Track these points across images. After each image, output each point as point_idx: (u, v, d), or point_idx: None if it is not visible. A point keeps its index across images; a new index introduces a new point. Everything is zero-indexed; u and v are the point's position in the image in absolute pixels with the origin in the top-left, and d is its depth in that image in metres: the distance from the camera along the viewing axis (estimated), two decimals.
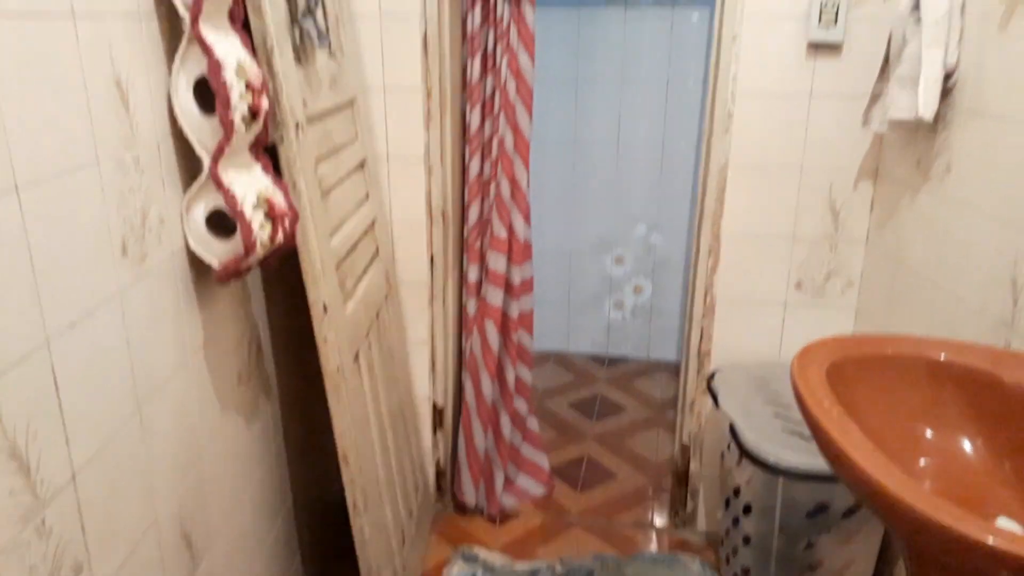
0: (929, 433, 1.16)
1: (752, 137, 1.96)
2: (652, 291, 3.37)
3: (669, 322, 3.40)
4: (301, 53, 1.57)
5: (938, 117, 1.61)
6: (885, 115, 1.72)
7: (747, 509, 1.82)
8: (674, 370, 3.28)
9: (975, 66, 1.50)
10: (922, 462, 1.14)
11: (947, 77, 1.57)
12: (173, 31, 1.23)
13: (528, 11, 2.10)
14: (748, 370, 2.05)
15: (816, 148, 1.95)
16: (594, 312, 3.44)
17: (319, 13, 1.59)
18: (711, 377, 2.04)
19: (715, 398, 1.95)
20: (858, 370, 1.19)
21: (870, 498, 0.90)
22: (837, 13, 1.82)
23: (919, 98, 1.57)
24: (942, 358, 1.20)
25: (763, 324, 2.11)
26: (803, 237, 2.03)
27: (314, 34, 1.53)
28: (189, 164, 1.27)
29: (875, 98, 1.77)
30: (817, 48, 1.87)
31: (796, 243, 2.04)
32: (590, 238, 3.34)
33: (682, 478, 2.30)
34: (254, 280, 1.61)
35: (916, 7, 1.57)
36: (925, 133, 1.69)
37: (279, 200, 1.36)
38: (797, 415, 1.80)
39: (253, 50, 1.36)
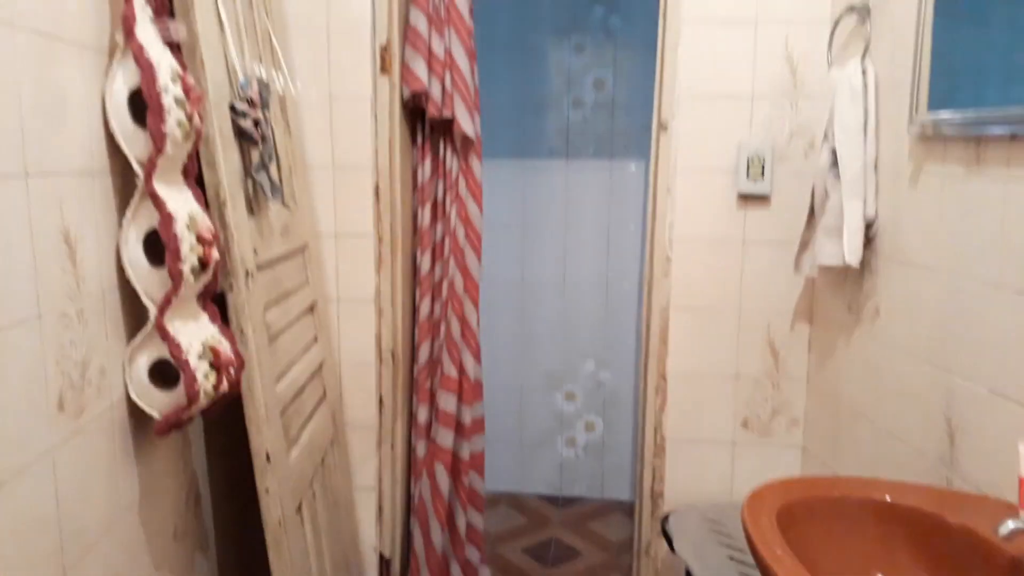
0: None
1: (691, 280, 2.05)
2: (604, 428, 3.36)
3: (622, 459, 3.37)
4: (254, 204, 1.61)
5: (864, 263, 1.71)
6: (815, 261, 1.82)
7: None
8: (628, 509, 3.22)
9: (892, 217, 1.62)
10: None
11: (868, 226, 1.69)
12: (126, 185, 1.25)
13: (475, 164, 2.20)
14: (702, 511, 2.02)
15: (752, 291, 2.04)
16: (546, 450, 3.40)
17: (272, 167, 1.64)
18: (665, 520, 2.01)
19: (670, 542, 1.91)
20: (808, 513, 1.20)
21: None
22: (763, 167, 1.95)
23: (844, 246, 1.68)
24: (888, 499, 1.22)
25: (713, 463, 2.12)
26: (746, 376, 2.08)
27: (267, 187, 1.58)
28: (135, 314, 1.27)
29: (804, 245, 1.88)
30: (747, 199, 1.99)
31: (740, 382, 2.09)
32: (540, 374, 3.36)
33: None
34: (195, 427, 1.57)
35: (835, 163, 1.71)
36: (853, 278, 1.78)
37: (225, 348, 1.35)
38: (751, 559, 1.77)
39: (206, 203, 1.39)
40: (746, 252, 2.03)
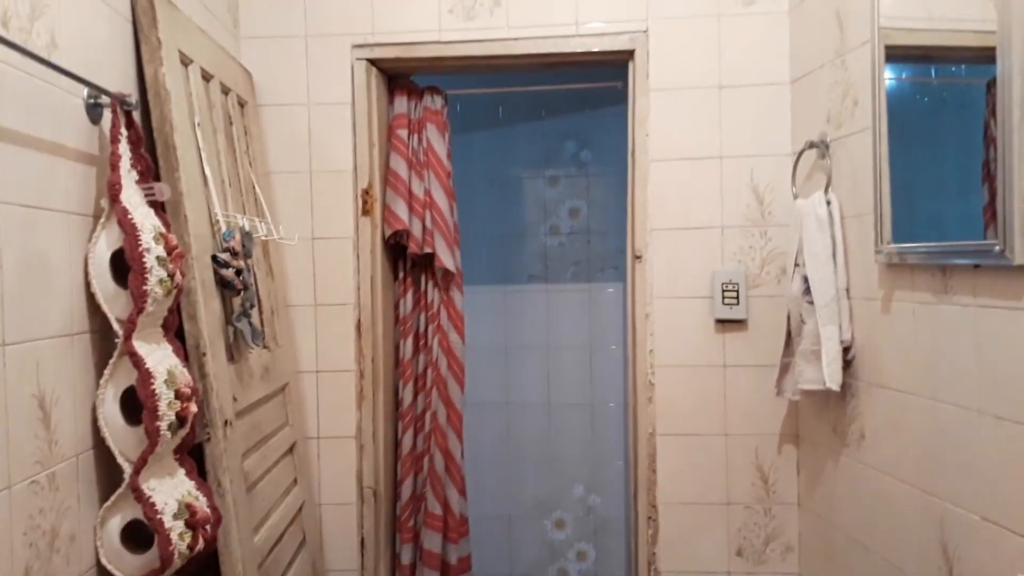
0: None
1: (675, 406, 2.04)
2: (596, 556, 3.24)
3: None
4: (234, 351, 1.60)
5: (845, 386, 1.71)
6: (796, 385, 1.83)
7: None
8: None
9: (868, 341, 1.64)
10: None
11: (846, 350, 1.71)
12: (104, 344, 1.25)
13: (457, 295, 2.23)
14: None
15: (737, 415, 2.03)
16: None
17: (254, 313, 1.65)
18: None
19: None
20: None
21: None
22: (738, 293, 1.99)
23: (824, 371, 1.69)
24: None
25: None
26: (737, 502, 2.04)
27: (248, 334, 1.58)
28: (109, 474, 1.24)
29: (784, 369, 1.89)
30: (724, 324, 2.02)
31: (731, 509, 2.04)
32: (528, 500, 3.27)
33: None
34: None
35: (807, 291, 1.74)
36: (836, 401, 1.79)
37: (201, 505, 1.31)
38: None
39: (185, 355, 1.39)
40: (727, 376, 2.03)
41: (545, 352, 3.24)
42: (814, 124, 1.84)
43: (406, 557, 2.19)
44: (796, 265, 1.79)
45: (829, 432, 1.83)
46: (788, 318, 1.86)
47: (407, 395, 2.25)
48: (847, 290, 1.71)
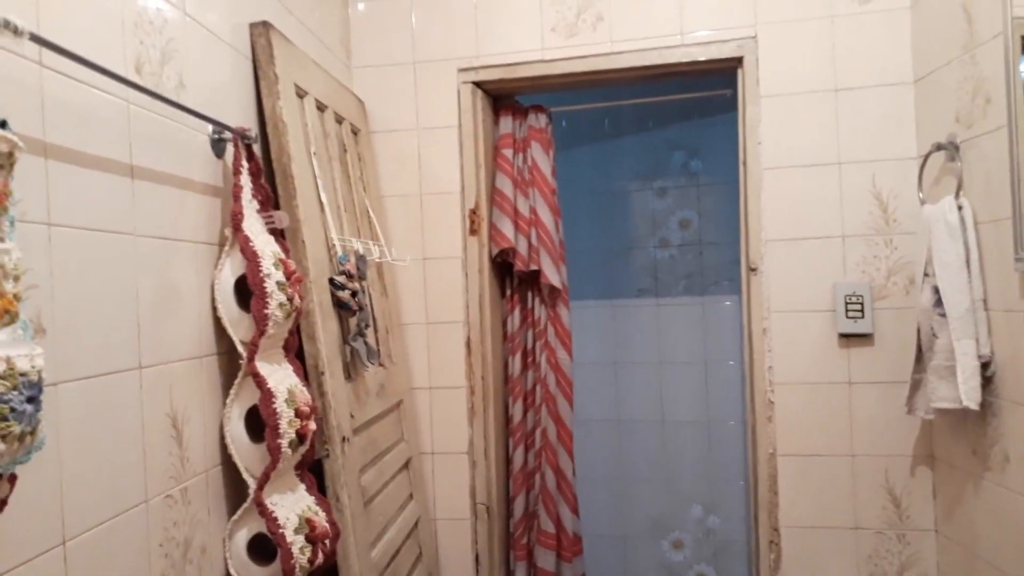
0: None
1: (796, 425, 1.95)
2: None
3: None
4: (351, 369, 1.66)
5: (985, 405, 1.59)
6: (929, 404, 1.71)
7: None
8: None
9: (1012, 356, 1.51)
10: None
11: (985, 366, 1.58)
12: (230, 365, 1.32)
13: (563, 311, 2.23)
14: None
15: (864, 434, 1.92)
16: None
17: (369, 332, 1.71)
18: None
19: None
20: None
21: None
22: (862, 306, 1.88)
23: (959, 388, 1.57)
24: None
25: None
26: (867, 527, 1.92)
27: (363, 353, 1.64)
28: (236, 489, 1.31)
29: (915, 386, 1.77)
30: (848, 339, 1.91)
31: (860, 534, 1.92)
32: (643, 521, 3.20)
33: None
34: None
35: (938, 303, 1.63)
36: (975, 420, 1.66)
37: (321, 520, 1.36)
38: None
39: (305, 375, 1.45)
40: (853, 394, 1.92)
41: (657, 368, 3.17)
42: (941, 125, 1.72)
43: (520, 575, 2.19)
44: (925, 275, 1.68)
45: (968, 454, 1.69)
46: (918, 332, 1.74)
47: (517, 412, 2.26)
48: (984, 301, 1.58)
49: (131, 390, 1.04)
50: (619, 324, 3.17)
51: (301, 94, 1.62)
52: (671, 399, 3.18)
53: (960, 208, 1.60)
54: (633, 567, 3.23)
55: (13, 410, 0.70)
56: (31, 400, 0.73)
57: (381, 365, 1.88)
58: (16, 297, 0.72)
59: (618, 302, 3.15)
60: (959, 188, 1.62)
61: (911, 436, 1.89)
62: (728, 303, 3.06)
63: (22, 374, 0.71)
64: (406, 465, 1.99)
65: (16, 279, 0.72)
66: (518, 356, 2.26)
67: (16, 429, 0.71)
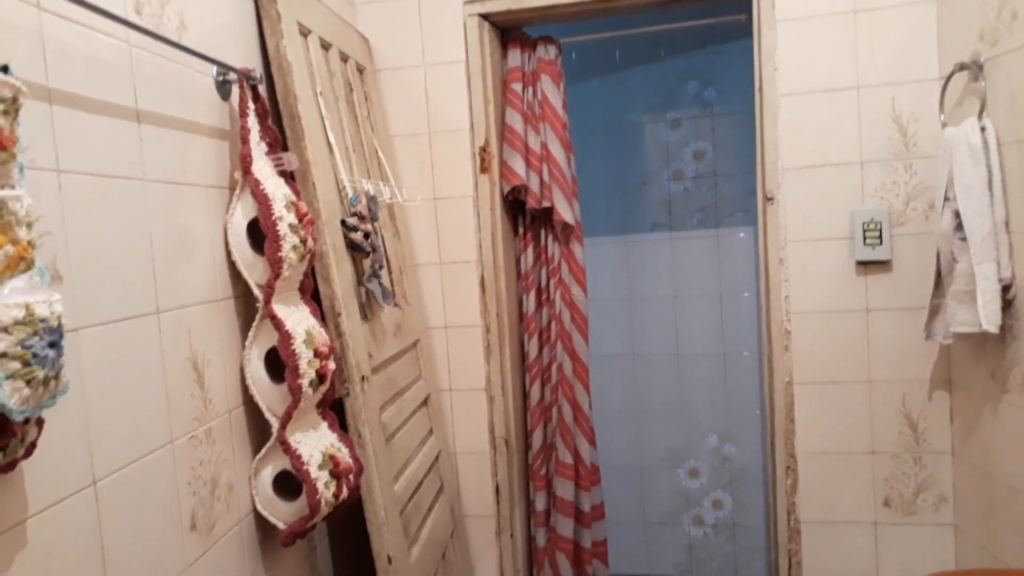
0: None
1: (813, 353, 1.95)
2: (732, 506, 3.20)
3: (755, 538, 3.18)
4: (367, 310, 1.67)
5: (1004, 328, 1.58)
6: (948, 328, 1.70)
7: None
8: None
9: None
10: None
11: (1006, 289, 1.56)
12: (247, 308, 1.34)
13: (577, 248, 2.22)
14: None
15: (881, 361, 1.92)
16: (672, 530, 3.27)
17: (383, 273, 1.71)
18: None
19: None
20: None
21: None
22: (880, 233, 1.86)
23: (980, 312, 1.56)
24: None
25: (854, 546, 1.97)
26: (883, 451, 1.94)
27: (379, 294, 1.64)
28: (259, 428, 1.33)
29: (934, 311, 1.76)
30: (866, 266, 1.90)
31: (877, 458, 1.94)
32: (660, 451, 3.25)
33: None
34: (319, 532, 1.61)
35: (959, 227, 1.60)
36: (994, 344, 1.65)
37: (344, 456, 1.39)
38: None
39: (322, 315, 1.46)
40: (870, 321, 1.92)
41: (672, 302, 3.17)
42: (964, 44, 1.66)
43: (540, 504, 2.24)
44: (946, 199, 1.65)
45: (987, 378, 1.69)
46: (938, 257, 1.72)
47: (532, 348, 2.27)
48: (1006, 224, 1.56)
49: (150, 334, 1.05)
50: (633, 259, 3.16)
51: (304, 32, 1.59)
52: (686, 332, 3.19)
53: (983, 130, 1.56)
54: (650, 495, 3.30)
55: (35, 355, 0.71)
56: (52, 345, 0.74)
57: (396, 306, 1.89)
58: (30, 244, 0.72)
59: (632, 237, 3.14)
60: (982, 109, 1.57)
61: (929, 361, 1.89)
62: (742, 235, 3.03)
63: (42, 320, 0.72)
64: (425, 402, 2.02)
65: (29, 226, 0.72)
66: (532, 294, 2.27)
67: (40, 374, 0.72)
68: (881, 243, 1.86)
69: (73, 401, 0.88)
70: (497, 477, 2.15)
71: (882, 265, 1.90)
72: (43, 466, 0.82)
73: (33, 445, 0.78)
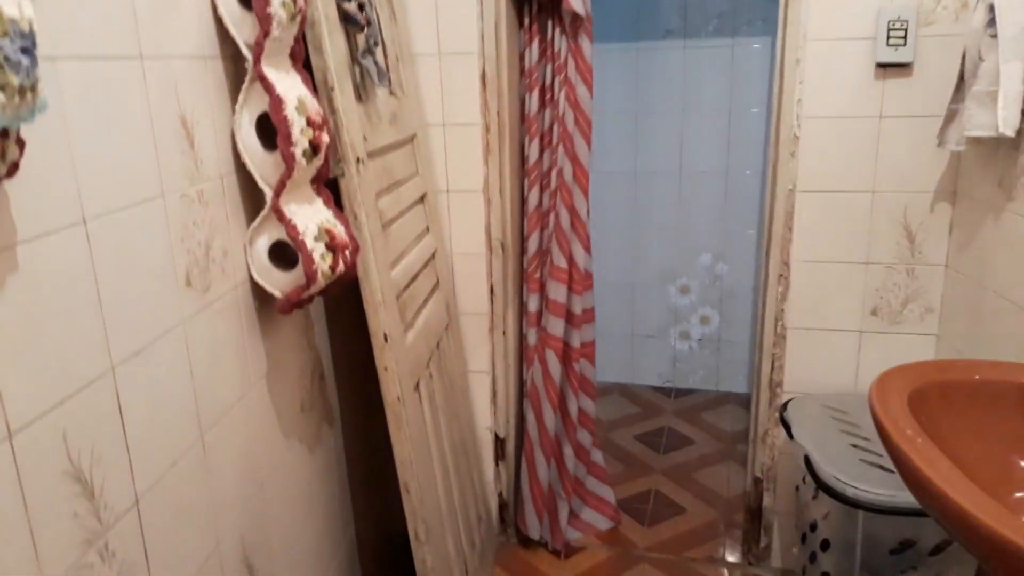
0: None
1: (820, 161, 1.91)
2: (720, 322, 3.29)
3: (738, 353, 3.30)
4: (361, 91, 1.60)
5: (1020, 133, 1.53)
6: (962, 134, 1.65)
7: (825, 545, 1.73)
8: (745, 402, 3.18)
9: None
10: (1018, 495, 1.06)
11: None
12: (237, 71, 1.27)
13: (585, 44, 2.10)
14: (823, 400, 1.96)
15: (888, 171, 1.88)
16: (659, 343, 3.38)
17: (379, 52, 1.62)
18: (784, 408, 1.96)
19: (788, 429, 1.87)
20: (942, 397, 1.12)
21: (961, 531, 0.83)
22: (906, 33, 1.76)
23: (999, 114, 1.50)
24: None
25: (837, 352, 2.03)
26: (877, 262, 1.95)
27: (374, 72, 1.56)
28: (252, 198, 1.31)
29: (950, 117, 1.70)
30: (886, 69, 1.81)
31: (870, 268, 1.96)
32: (653, 268, 3.30)
33: (755, 513, 2.21)
34: (317, 310, 1.64)
35: (991, 23, 1.51)
36: (1007, 151, 1.61)
37: (340, 232, 1.38)
38: (876, 447, 1.71)
39: (314, 88, 1.39)
40: (883, 128, 1.86)
41: (679, 116, 3.08)
42: None
43: (532, 305, 2.28)
44: None
45: (993, 186, 1.66)
46: (963, 59, 1.64)
47: (533, 152, 2.22)
48: None
49: (135, 79, 1.00)
50: (643, 68, 3.03)
51: None
52: (691, 149, 3.13)
53: None
54: (640, 311, 3.38)
55: (7, 59, 0.67)
56: (25, 52, 0.69)
57: (393, 94, 1.82)
58: None
59: (643, 44, 2.99)
60: None
61: (936, 172, 1.86)
62: (757, 46, 2.90)
63: (11, 20, 0.67)
64: (422, 199, 1.99)
65: None
66: (535, 93, 2.18)
67: (14, 81, 0.68)
68: (905, 44, 1.77)
69: (56, 132, 0.84)
70: (492, 278, 2.17)
71: (903, 69, 1.81)
72: (29, 194, 0.80)
73: (15, 165, 0.75)
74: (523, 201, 2.29)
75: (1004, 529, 0.77)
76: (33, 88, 0.71)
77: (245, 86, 1.23)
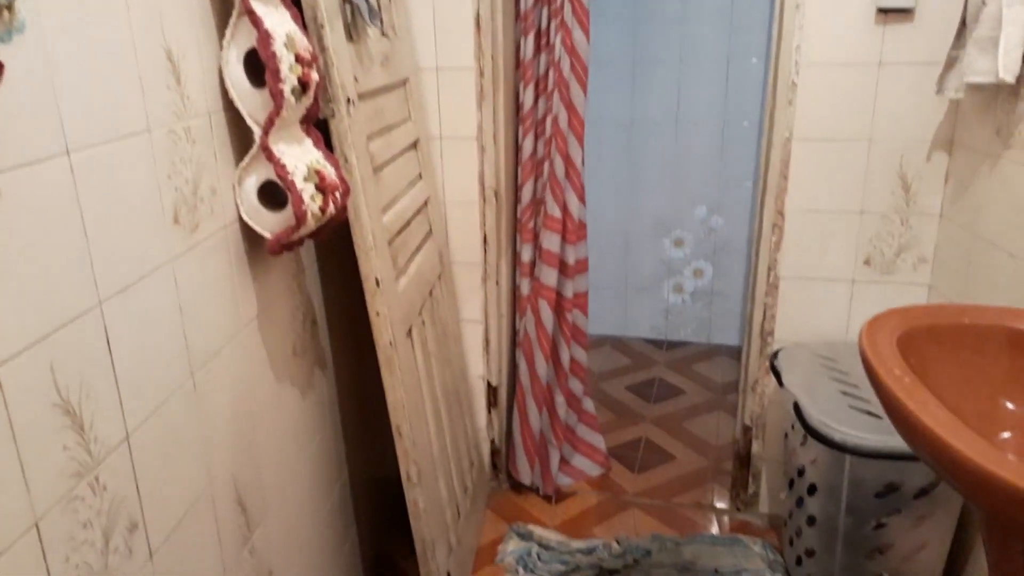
0: (1011, 406, 1.09)
1: (817, 108, 1.89)
2: (713, 274, 3.29)
3: (731, 306, 3.31)
4: (352, 30, 1.57)
5: (1020, 80, 1.51)
6: (961, 80, 1.63)
7: (812, 489, 1.75)
8: (736, 354, 3.20)
9: None
10: (1004, 435, 1.07)
11: None
12: (224, 5, 1.24)
13: None
14: (813, 348, 1.97)
15: (886, 119, 1.86)
16: (652, 296, 3.39)
17: None
18: (774, 356, 1.97)
19: (778, 377, 1.88)
20: (931, 340, 1.12)
21: (948, 468, 0.84)
22: None
23: (999, 60, 1.48)
24: None
25: (829, 302, 2.03)
26: (872, 211, 1.94)
27: (365, 11, 1.53)
28: (241, 136, 1.29)
29: (950, 64, 1.68)
30: (887, 14, 1.78)
31: (864, 218, 1.95)
32: (647, 220, 3.28)
33: (744, 459, 2.24)
34: (308, 255, 1.63)
35: None
36: (1006, 98, 1.59)
37: (330, 173, 1.36)
38: (865, 393, 1.72)
39: (304, 25, 1.36)
40: (882, 75, 1.83)
41: (678, 65, 3.04)
42: None
43: (526, 255, 2.28)
44: None
45: (991, 135, 1.65)
46: (965, 3, 1.61)
47: (527, 98, 2.19)
48: None
49: (118, 5, 0.97)
50: (641, 14, 2.98)
51: None
52: (688, 99, 3.09)
53: None
54: (634, 263, 3.37)
55: None
56: None
57: (384, 35, 1.78)
58: None
59: None
60: None
61: (934, 121, 1.84)
62: None
63: None
64: (414, 145, 1.97)
65: None
66: (531, 37, 2.14)
67: None
68: None
69: (35, 57, 0.82)
70: (485, 227, 2.16)
71: (904, 14, 1.78)
72: (8, 119, 0.78)
73: None
74: (517, 149, 2.26)
75: (990, 464, 0.78)
76: (9, 7, 0.69)
77: (232, 20, 1.20)
